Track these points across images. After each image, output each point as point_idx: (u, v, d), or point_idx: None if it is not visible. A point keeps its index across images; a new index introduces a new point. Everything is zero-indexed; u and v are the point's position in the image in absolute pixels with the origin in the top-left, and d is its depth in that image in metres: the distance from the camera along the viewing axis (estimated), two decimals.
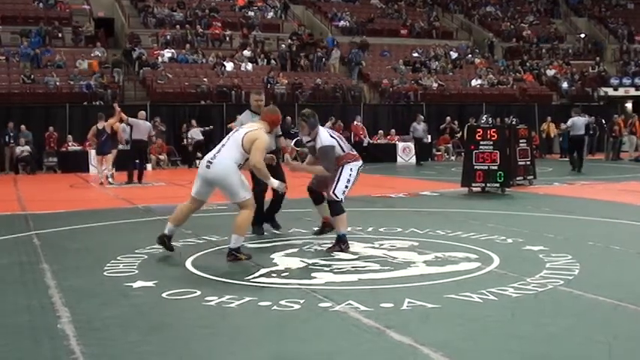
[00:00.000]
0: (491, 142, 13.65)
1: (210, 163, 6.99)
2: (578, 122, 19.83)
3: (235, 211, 7.40)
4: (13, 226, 9.88)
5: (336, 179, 7.56)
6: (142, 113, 17.89)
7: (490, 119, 15.00)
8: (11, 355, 4.32)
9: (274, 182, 7.29)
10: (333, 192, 7.53)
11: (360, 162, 7.84)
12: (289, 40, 31.60)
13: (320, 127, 7.67)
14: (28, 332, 4.76)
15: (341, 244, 7.53)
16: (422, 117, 25.13)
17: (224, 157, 6.97)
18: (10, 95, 24.99)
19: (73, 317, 5.05)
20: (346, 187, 7.57)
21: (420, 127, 24.29)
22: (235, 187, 6.95)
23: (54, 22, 29.34)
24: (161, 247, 7.41)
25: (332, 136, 7.66)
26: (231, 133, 7.29)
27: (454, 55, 33.83)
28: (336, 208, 7.61)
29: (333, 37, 33.19)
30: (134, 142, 17.35)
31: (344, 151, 7.69)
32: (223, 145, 7.09)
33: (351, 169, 7.63)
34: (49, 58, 27.17)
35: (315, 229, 8.48)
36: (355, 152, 7.95)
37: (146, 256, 7.31)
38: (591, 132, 27.34)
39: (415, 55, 32.79)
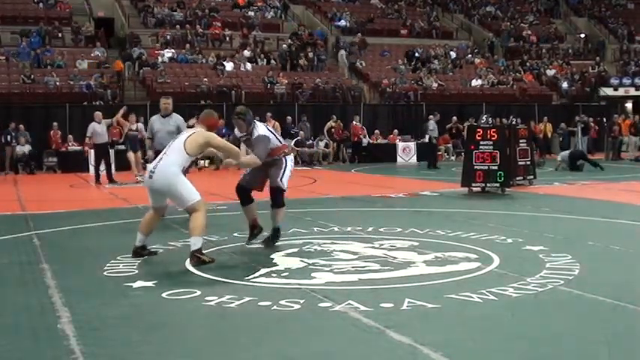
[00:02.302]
0: (491, 142, 13.65)
1: (153, 172, 6.90)
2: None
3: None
4: (13, 226, 9.87)
5: (282, 169, 7.70)
6: (97, 114, 17.67)
7: (490, 119, 15.00)
8: (11, 355, 4.32)
9: (245, 159, 7.35)
10: (281, 180, 7.68)
11: (292, 155, 8.08)
12: (289, 40, 31.59)
13: (257, 122, 7.75)
14: (28, 332, 4.75)
15: (278, 236, 7.78)
16: (437, 115, 23.76)
17: (166, 164, 6.86)
18: (10, 95, 24.97)
19: (73, 317, 5.05)
20: (289, 177, 7.78)
21: (434, 126, 22.97)
22: (180, 193, 6.82)
23: (54, 22, 29.31)
24: (139, 258, 7.19)
25: (269, 130, 7.81)
26: (170, 143, 7.23)
27: (454, 55, 33.83)
28: (282, 198, 7.79)
29: (321, 30, 33.26)
30: (95, 145, 17.81)
31: (280, 142, 7.86)
32: (165, 154, 7.01)
33: (291, 161, 7.87)
34: (49, 58, 27.16)
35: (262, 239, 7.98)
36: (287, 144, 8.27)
37: (146, 256, 7.31)
38: (582, 126, 27.38)
39: (415, 55, 32.76)
